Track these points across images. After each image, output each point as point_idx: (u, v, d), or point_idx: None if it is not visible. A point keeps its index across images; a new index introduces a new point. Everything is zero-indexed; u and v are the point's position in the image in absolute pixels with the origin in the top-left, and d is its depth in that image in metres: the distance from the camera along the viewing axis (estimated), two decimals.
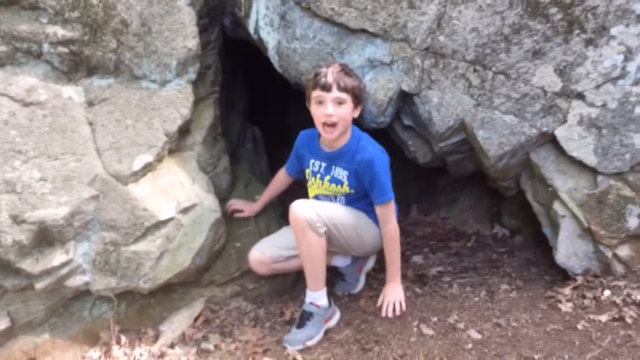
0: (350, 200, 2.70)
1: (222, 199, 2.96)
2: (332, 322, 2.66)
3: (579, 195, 2.58)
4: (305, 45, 2.71)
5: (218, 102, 3.07)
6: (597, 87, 2.45)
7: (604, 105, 2.46)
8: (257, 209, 3.05)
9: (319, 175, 2.73)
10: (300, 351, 2.49)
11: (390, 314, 2.57)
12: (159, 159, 2.71)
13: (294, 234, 2.57)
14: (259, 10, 2.80)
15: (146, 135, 2.67)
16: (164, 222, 2.63)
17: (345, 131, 2.59)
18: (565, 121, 2.52)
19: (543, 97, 2.51)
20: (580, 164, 2.56)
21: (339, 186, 2.68)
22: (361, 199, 2.68)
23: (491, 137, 2.59)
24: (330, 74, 2.49)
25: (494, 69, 2.53)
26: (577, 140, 2.52)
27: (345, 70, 2.55)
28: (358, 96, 2.56)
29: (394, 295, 2.60)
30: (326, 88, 2.48)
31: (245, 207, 3.02)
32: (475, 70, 2.55)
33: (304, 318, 2.58)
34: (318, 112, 2.53)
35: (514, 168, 2.76)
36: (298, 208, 2.51)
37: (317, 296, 2.59)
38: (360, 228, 2.69)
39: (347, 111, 2.52)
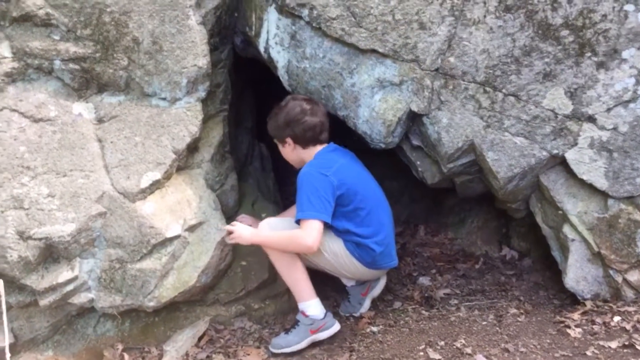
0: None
1: (229, 216, 2.96)
2: (322, 335, 2.62)
3: (589, 219, 2.56)
4: (315, 64, 2.72)
5: (227, 120, 3.07)
6: (608, 110, 2.44)
7: (615, 129, 2.45)
8: None
9: None
10: None
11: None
12: (167, 177, 2.71)
13: None
14: (269, 30, 2.81)
15: (155, 153, 2.68)
16: (171, 240, 2.63)
17: (303, 163, 2.70)
18: (575, 144, 2.50)
19: (554, 119, 2.50)
20: (590, 188, 2.54)
21: None
22: (337, 219, 2.59)
23: (501, 159, 2.58)
24: None
25: (504, 90, 2.52)
26: (587, 164, 2.50)
27: (275, 111, 2.72)
28: (280, 135, 2.72)
29: (241, 230, 2.63)
30: None
31: (254, 225, 2.96)
32: (485, 92, 2.54)
33: (292, 325, 2.64)
34: None
35: (523, 190, 2.74)
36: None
37: (305, 305, 2.62)
38: (335, 256, 2.65)
39: (283, 151, 2.78)
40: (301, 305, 2.62)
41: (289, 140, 2.68)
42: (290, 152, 2.73)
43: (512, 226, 3.42)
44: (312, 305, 2.60)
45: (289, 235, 2.53)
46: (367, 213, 2.62)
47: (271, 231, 2.61)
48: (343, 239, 2.63)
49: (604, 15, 2.33)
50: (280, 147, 2.78)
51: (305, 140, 2.66)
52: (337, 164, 2.59)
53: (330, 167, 2.56)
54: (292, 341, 2.57)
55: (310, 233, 2.45)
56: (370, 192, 2.67)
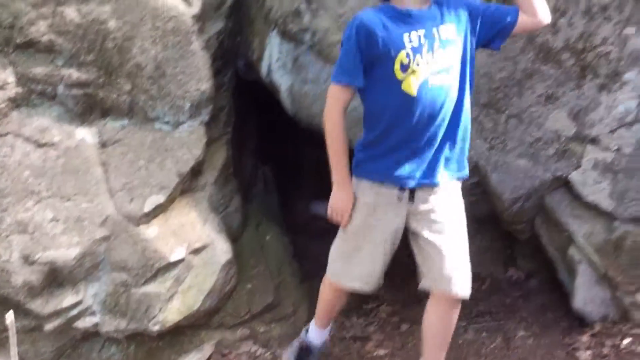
0: (464, 63, 2.00)
1: (234, 239, 2.95)
2: None
3: (596, 241, 2.53)
4: (318, 88, 2.73)
5: (230, 143, 3.08)
6: (612, 131, 2.42)
7: (618, 150, 2.43)
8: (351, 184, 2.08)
9: (424, 48, 1.90)
10: None
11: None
12: (171, 200, 2.72)
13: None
14: (271, 54, 2.83)
15: (158, 176, 2.69)
16: (175, 264, 2.63)
17: None
18: (579, 165, 2.49)
19: (557, 141, 2.49)
20: (596, 209, 2.52)
21: (452, 47, 1.93)
22: (472, 57, 2.02)
23: (505, 180, 2.57)
24: None
25: (507, 112, 2.52)
26: (592, 185, 2.48)
27: None
28: None
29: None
30: None
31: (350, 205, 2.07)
32: (488, 114, 2.54)
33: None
34: None
35: (528, 212, 2.72)
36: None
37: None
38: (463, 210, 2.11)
39: None
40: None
41: None
42: None
43: (518, 247, 3.39)
44: None
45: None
46: None
47: None
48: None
49: (605, 39, 2.33)
50: None
51: None
52: None
53: None
54: None
55: None
56: None
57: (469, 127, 2.03)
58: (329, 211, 2.07)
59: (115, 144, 2.74)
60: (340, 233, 2.14)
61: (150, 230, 2.64)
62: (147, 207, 2.64)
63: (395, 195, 2.00)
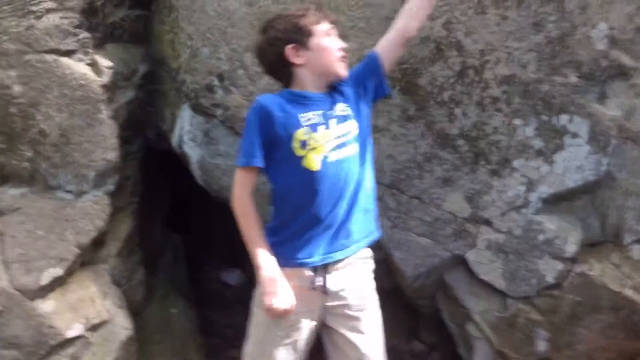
0: (362, 135, 2.08)
1: (137, 313, 2.87)
2: None
3: (491, 318, 2.63)
4: (228, 161, 2.75)
5: (136, 213, 3.03)
6: (503, 214, 2.56)
7: (509, 232, 2.56)
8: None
9: (322, 126, 1.98)
10: None
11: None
12: (70, 273, 2.63)
13: None
14: (183, 126, 2.85)
15: (57, 248, 2.61)
16: (71, 340, 2.53)
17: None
18: (475, 245, 2.60)
19: (454, 221, 2.60)
20: (490, 287, 2.62)
21: (348, 122, 2.04)
22: (367, 127, 2.13)
23: (407, 258, 2.65)
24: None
25: (408, 193, 2.62)
26: (486, 265, 2.59)
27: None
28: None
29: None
30: (331, 20, 2.08)
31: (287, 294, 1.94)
32: (392, 194, 2.63)
33: None
34: (333, 45, 2.03)
35: (429, 288, 2.80)
36: None
37: None
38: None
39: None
40: None
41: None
42: None
43: (422, 320, 3.47)
44: None
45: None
46: None
47: None
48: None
49: (496, 128, 2.49)
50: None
51: None
52: None
53: None
54: None
55: None
56: None
57: (373, 190, 2.15)
58: (266, 307, 1.89)
59: (14, 212, 2.65)
60: (253, 334, 2.05)
61: (46, 305, 2.53)
62: (44, 280, 2.55)
63: (309, 278, 1.99)
